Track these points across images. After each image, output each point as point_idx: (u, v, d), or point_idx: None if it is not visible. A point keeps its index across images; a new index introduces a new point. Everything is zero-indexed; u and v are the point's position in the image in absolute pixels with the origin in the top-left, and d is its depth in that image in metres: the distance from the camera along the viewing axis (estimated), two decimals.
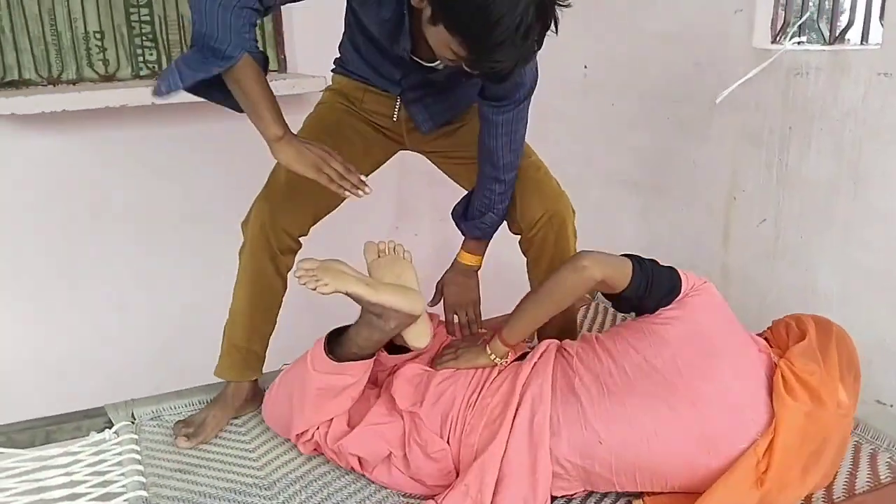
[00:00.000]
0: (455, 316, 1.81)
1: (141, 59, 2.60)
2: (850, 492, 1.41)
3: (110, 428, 1.73)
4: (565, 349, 1.54)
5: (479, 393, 1.49)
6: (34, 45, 2.41)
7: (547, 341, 1.59)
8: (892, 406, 1.80)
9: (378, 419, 1.53)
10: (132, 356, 2.71)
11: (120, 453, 1.64)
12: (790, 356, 1.42)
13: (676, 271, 1.52)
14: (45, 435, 1.74)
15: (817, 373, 1.38)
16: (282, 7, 2.76)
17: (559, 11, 1.21)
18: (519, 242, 1.77)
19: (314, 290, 1.46)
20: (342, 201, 1.74)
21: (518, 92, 1.49)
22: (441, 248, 3.40)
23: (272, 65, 2.82)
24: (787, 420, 1.34)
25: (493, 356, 1.53)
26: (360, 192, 1.41)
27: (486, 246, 1.80)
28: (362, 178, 1.41)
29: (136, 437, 1.71)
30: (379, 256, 1.63)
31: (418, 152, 1.82)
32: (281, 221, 1.66)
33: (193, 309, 2.77)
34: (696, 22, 2.11)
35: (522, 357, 1.55)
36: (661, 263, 1.52)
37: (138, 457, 1.63)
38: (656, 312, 1.48)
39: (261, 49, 1.40)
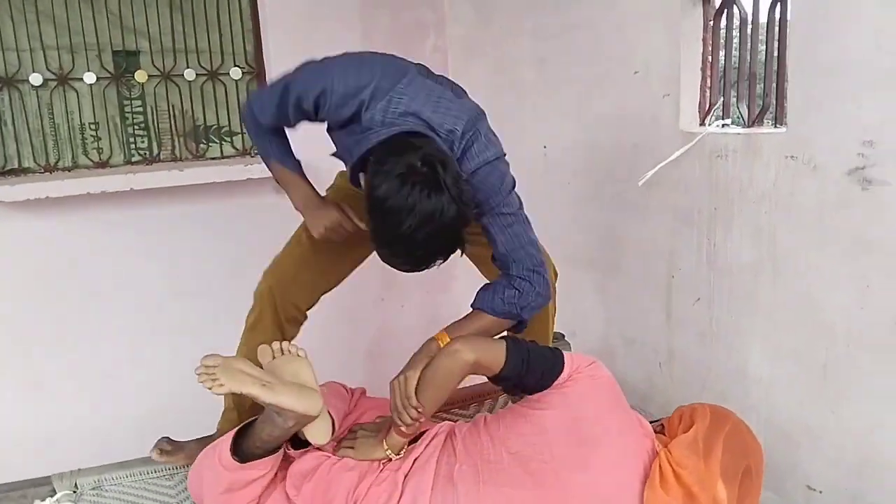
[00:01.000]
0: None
1: (133, 146, 2.81)
2: None
3: (52, 496, 1.84)
4: (454, 433, 1.57)
5: (366, 484, 1.51)
6: (33, 136, 2.64)
7: (440, 425, 1.61)
8: (821, 492, 1.74)
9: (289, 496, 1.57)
10: (120, 423, 2.84)
11: None
12: (671, 447, 1.42)
13: (560, 351, 1.54)
14: None
15: (692, 466, 1.37)
16: None
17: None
18: None
19: (209, 389, 1.49)
20: (349, 274, 1.88)
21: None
22: (427, 320, 3.46)
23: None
24: None
25: (388, 451, 1.54)
26: None
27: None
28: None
29: None
30: (274, 357, 1.63)
31: None
32: (290, 294, 1.80)
33: (178, 380, 2.90)
34: (631, 106, 2.17)
35: (416, 439, 1.58)
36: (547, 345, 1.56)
37: None
38: (537, 397, 1.50)
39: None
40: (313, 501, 1.51)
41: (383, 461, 1.54)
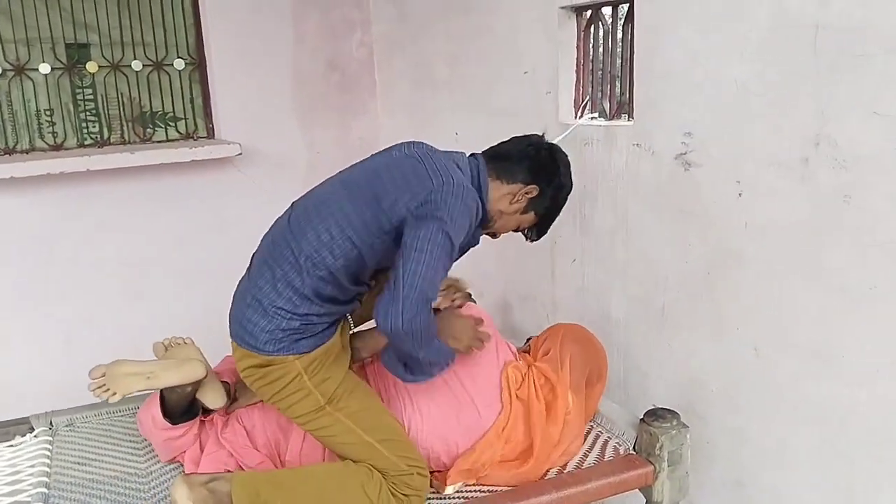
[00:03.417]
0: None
1: (85, 130, 3.10)
2: (578, 467, 1.84)
3: (31, 432, 2.16)
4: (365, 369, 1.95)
5: None
6: None
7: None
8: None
9: (213, 448, 1.90)
10: (76, 377, 3.14)
11: (34, 452, 2.05)
12: (539, 367, 1.88)
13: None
14: None
15: (552, 382, 1.83)
16: (209, 82, 3.30)
17: None
18: None
19: (106, 399, 1.80)
20: None
21: None
22: None
23: (202, 132, 3.35)
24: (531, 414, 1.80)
25: None
26: None
27: None
28: None
29: (50, 439, 2.12)
30: (167, 349, 1.97)
31: None
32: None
33: (129, 339, 3.21)
34: (522, 100, 2.59)
35: None
36: None
37: (48, 454, 2.04)
38: None
39: None
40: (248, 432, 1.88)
41: None
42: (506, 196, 1.78)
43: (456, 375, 1.83)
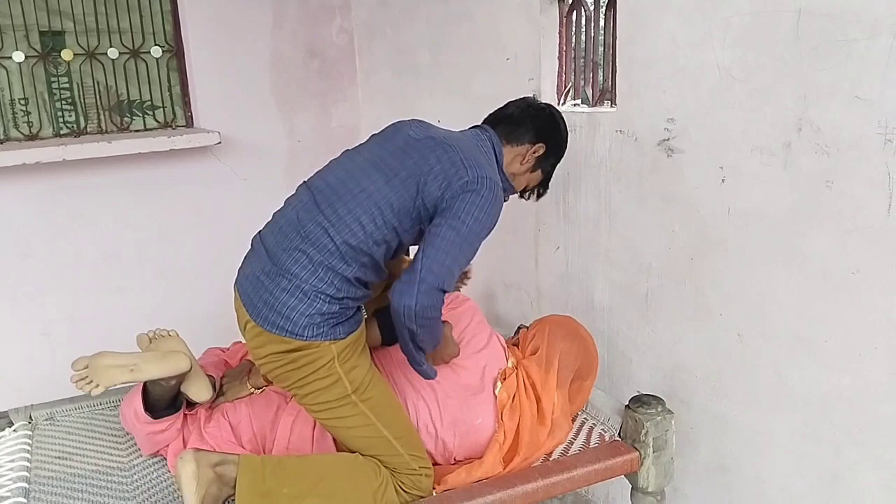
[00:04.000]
0: None
1: (61, 120, 3.04)
2: (564, 455, 1.84)
3: (10, 427, 2.13)
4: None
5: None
6: None
7: None
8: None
9: (195, 443, 1.86)
10: (55, 371, 3.09)
11: (14, 446, 2.03)
12: (527, 365, 1.87)
13: None
14: None
15: (539, 381, 1.83)
16: (187, 70, 3.25)
17: None
18: None
19: (88, 392, 1.77)
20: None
21: None
22: None
23: (180, 121, 3.30)
24: (524, 415, 1.79)
25: (251, 388, 1.91)
26: None
27: None
28: None
29: (30, 433, 2.09)
30: (151, 341, 1.93)
31: None
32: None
33: (108, 334, 3.17)
34: (505, 87, 2.56)
35: None
36: None
37: (28, 447, 2.02)
38: None
39: None
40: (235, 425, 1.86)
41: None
42: (516, 158, 1.87)
43: (444, 375, 1.82)
